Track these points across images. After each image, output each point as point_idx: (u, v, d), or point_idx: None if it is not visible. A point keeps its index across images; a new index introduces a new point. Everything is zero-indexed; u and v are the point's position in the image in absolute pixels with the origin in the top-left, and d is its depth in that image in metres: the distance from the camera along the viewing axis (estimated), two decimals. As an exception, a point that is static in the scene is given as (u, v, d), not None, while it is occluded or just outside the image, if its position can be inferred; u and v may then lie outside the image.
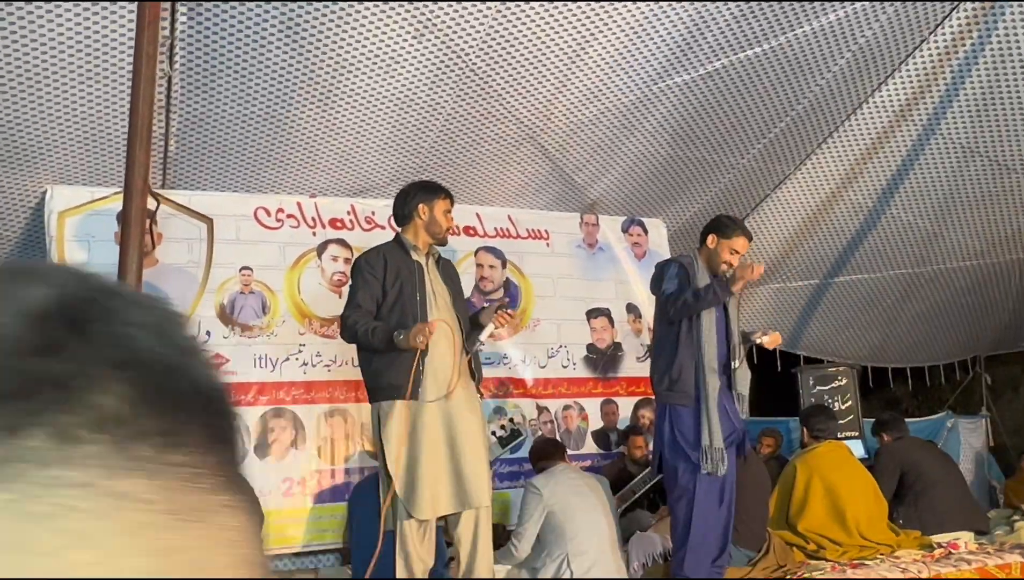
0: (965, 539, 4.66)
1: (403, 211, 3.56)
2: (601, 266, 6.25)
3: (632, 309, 6.21)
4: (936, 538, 4.58)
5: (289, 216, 5.39)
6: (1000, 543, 4.66)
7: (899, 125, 5.50)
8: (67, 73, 4.06)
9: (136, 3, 2.51)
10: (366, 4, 3.98)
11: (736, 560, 3.90)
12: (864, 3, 4.50)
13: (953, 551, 4.38)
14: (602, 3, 4.21)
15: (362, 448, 5.22)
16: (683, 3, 4.28)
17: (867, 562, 4.09)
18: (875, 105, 5.37)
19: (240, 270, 5.21)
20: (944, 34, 4.89)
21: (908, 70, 5.13)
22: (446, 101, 4.69)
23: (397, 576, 3.22)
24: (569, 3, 4.17)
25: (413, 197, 3.53)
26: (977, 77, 5.08)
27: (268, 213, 5.34)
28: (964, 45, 4.96)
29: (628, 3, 4.23)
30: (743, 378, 3.82)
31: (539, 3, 4.15)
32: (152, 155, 3.70)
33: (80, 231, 4.91)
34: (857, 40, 4.78)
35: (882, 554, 4.26)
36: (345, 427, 5.24)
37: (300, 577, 3.45)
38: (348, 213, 5.54)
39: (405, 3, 4.02)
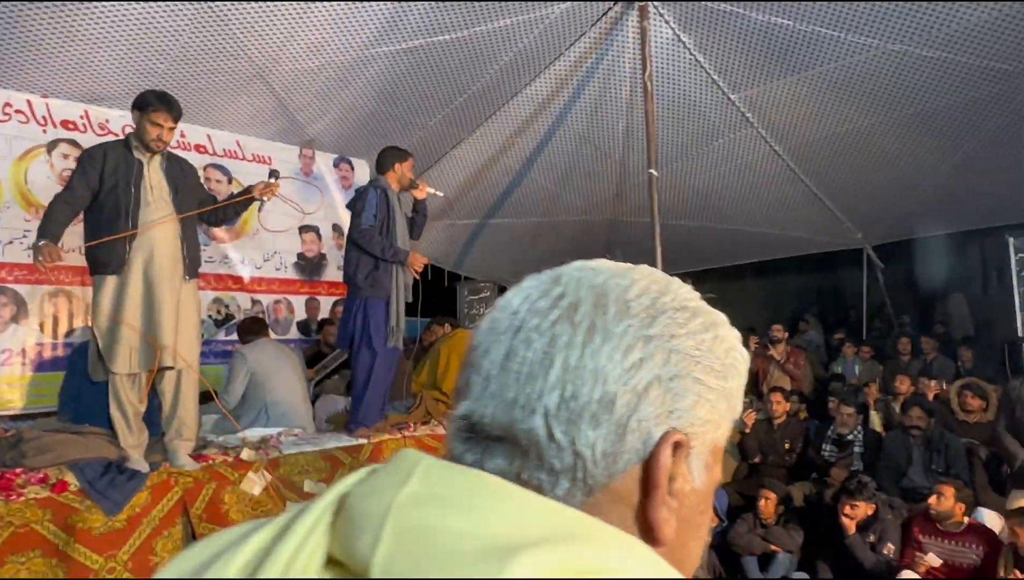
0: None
1: (133, 115, 3.20)
2: (314, 192, 6.08)
3: (336, 229, 6.16)
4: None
5: (18, 111, 4.53)
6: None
7: (540, 114, 5.94)
8: None
9: None
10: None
11: (397, 410, 4.15)
12: (522, 18, 4.80)
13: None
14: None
15: (86, 324, 4.64)
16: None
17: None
18: (525, 97, 5.71)
19: (-39, 155, 4.29)
20: (575, 52, 5.35)
21: (548, 75, 5.53)
22: (183, 30, 4.21)
23: (112, 418, 2.97)
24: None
25: (134, 104, 3.16)
26: (592, 87, 5.65)
27: (-6, 105, 4.44)
28: (587, 62, 5.49)
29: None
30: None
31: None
32: None
33: None
34: (518, 44, 5.08)
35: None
36: (70, 306, 4.62)
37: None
38: (81, 117, 4.79)
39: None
